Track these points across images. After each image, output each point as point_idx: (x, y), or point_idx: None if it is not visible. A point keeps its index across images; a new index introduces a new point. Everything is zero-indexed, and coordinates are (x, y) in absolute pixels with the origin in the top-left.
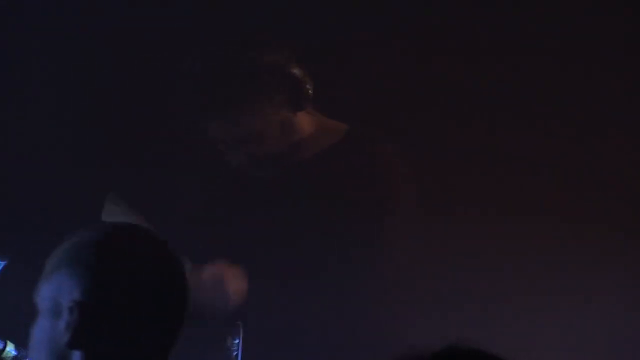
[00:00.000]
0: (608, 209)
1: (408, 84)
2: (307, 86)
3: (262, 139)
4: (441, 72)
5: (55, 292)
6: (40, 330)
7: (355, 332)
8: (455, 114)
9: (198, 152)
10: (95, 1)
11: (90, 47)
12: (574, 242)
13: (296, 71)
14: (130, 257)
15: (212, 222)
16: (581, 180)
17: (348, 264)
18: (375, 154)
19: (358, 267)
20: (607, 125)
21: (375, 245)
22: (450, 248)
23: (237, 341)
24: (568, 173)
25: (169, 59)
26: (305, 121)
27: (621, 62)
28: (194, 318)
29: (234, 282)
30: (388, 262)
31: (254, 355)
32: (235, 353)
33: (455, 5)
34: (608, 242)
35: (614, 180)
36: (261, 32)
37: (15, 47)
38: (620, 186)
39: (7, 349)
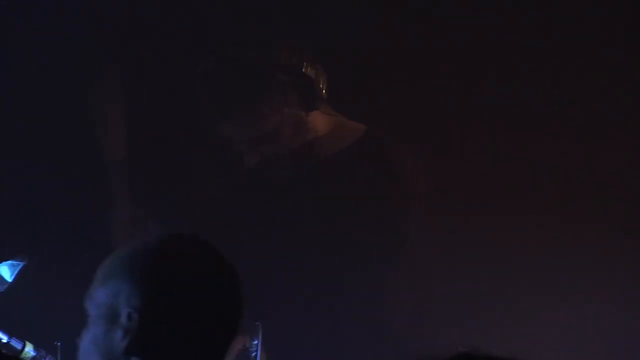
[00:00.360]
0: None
1: (426, 86)
2: (322, 86)
3: (277, 138)
4: (458, 74)
5: (111, 299)
6: (93, 336)
7: (371, 333)
8: (471, 116)
9: (214, 153)
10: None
11: (110, 47)
12: (576, 242)
13: (310, 71)
14: (188, 266)
15: (227, 221)
16: (581, 180)
17: (363, 264)
18: (393, 154)
19: (373, 267)
20: (607, 125)
21: (391, 246)
22: (462, 248)
23: (256, 342)
24: (568, 173)
25: (185, 58)
26: (321, 121)
27: (622, 63)
28: None
29: None
30: (403, 262)
31: (273, 356)
32: (254, 354)
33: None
34: (608, 242)
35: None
36: (276, 32)
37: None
38: (621, 186)
39: (26, 349)
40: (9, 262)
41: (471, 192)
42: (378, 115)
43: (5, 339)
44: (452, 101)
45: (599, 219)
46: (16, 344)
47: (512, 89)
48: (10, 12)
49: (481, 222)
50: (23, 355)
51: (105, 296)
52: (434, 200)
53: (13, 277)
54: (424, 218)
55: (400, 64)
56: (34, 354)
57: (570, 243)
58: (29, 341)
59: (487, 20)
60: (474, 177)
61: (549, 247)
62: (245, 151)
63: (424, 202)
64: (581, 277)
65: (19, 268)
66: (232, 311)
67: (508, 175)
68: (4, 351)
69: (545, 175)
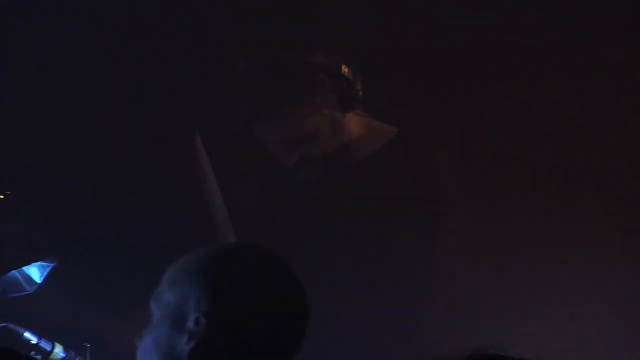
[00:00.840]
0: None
1: (458, 87)
2: (357, 87)
3: (313, 140)
4: (492, 76)
5: (180, 301)
6: (156, 337)
7: (402, 335)
8: (502, 117)
9: (250, 154)
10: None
11: (145, 47)
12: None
13: (346, 72)
14: (258, 275)
15: (261, 222)
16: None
17: (394, 264)
18: (424, 156)
19: (404, 267)
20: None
21: (423, 247)
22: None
23: None
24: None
25: (220, 59)
26: (354, 123)
27: (622, 63)
28: None
29: None
30: (435, 263)
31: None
32: None
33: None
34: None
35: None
36: (313, 33)
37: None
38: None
39: (56, 350)
40: (39, 263)
41: (471, 193)
42: (421, 118)
43: (34, 340)
44: (500, 105)
45: (599, 219)
46: (45, 345)
47: (511, 88)
48: (10, 12)
49: (484, 222)
50: (52, 356)
51: (173, 298)
52: (481, 202)
53: (42, 278)
54: (468, 220)
55: (450, 67)
56: (64, 355)
57: (571, 243)
58: (58, 342)
59: (487, 20)
60: (475, 177)
61: (549, 247)
62: (280, 153)
63: (470, 204)
64: (581, 277)
65: (48, 269)
66: (297, 322)
67: (508, 176)
68: (32, 352)
69: (545, 175)
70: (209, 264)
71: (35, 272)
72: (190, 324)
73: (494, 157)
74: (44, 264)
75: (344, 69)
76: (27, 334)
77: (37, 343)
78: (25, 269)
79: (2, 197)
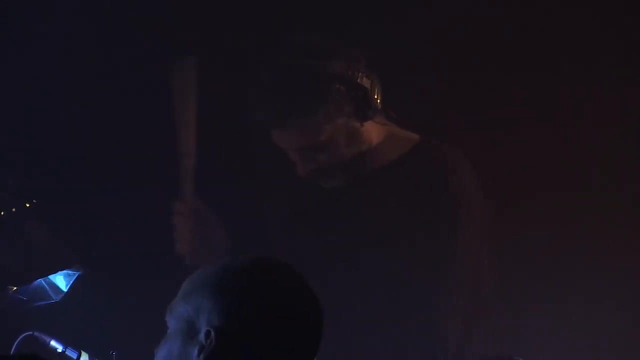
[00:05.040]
0: None
1: (480, 94)
2: (376, 96)
3: (330, 148)
4: (513, 80)
5: (192, 314)
6: (170, 349)
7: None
8: (522, 123)
9: (268, 161)
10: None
11: (163, 50)
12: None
13: (365, 81)
14: (272, 290)
15: (278, 230)
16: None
17: (417, 272)
18: (446, 163)
19: (427, 275)
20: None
21: (445, 255)
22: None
23: None
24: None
25: (238, 67)
26: (374, 131)
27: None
28: None
29: None
30: (458, 271)
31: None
32: None
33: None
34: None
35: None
36: (330, 40)
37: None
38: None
39: (82, 359)
40: (64, 271)
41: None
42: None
43: (60, 349)
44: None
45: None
46: (71, 354)
47: (510, 88)
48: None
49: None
50: None
51: (186, 311)
52: (502, 208)
53: (68, 286)
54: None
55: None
56: None
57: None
58: (84, 351)
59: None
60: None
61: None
62: (298, 160)
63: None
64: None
65: (74, 278)
66: (310, 339)
67: (509, 176)
68: None
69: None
70: (222, 277)
71: (61, 280)
72: (201, 337)
73: (494, 157)
74: (69, 272)
75: (362, 79)
76: (53, 343)
77: (63, 351)
78: (52, 277)
79: (28, 205)
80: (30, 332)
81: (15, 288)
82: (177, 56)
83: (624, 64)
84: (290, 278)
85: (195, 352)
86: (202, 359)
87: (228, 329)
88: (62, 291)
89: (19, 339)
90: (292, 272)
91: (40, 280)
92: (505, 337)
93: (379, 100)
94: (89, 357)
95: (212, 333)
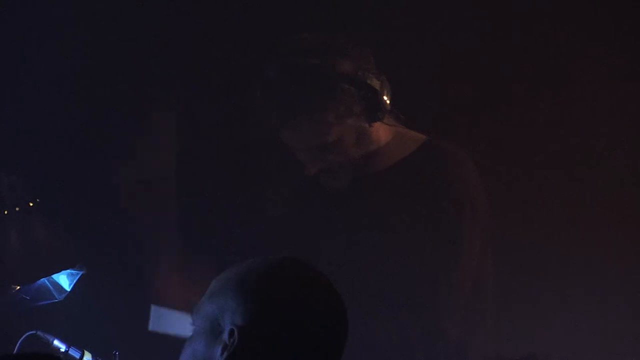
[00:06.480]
0: None
1: (489, 95)
2: (385, 97)
3: (339, 148)
4: (520, 82)
5: (217, 313)
6: (195, 348)
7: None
8: (532, 124)
9: (275, 160)
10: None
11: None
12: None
13: (375, 82)
14: (296, 290)
15: (285, 230)
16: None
17: (422, 272)
18: (452, 164)
19: (431, 275)
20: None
21: (449, 254)
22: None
23: None
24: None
25: (247, 65)
26: (382, 131)
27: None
28: None
29: None
30: (461, 271)
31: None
32: None
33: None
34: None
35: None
36: (340, 40)
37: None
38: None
39: (85, 358)
40: (68, 271)
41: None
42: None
43: (63, 348)
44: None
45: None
46: (74, 353)
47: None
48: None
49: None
50: None
51: (211, 310)
52: (508, 209)
53: (72, 286)
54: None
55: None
56: None
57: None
58: (87, 350)
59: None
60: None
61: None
62: (305, 160)
63: (499, 211)
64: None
65: (77, 277)
66: (334, 340)
67: (514, 177)
68: None
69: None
70: (247, 277)
71: (64, 280)
72: (225, 336)
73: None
74: (73, 271)
75: (372, 79)
76: (56, 342)
77: (66, 351)
78: (55, 276)
79: (31, 204)
80: (34, 332)
81: (18, 287)
82: (177, 56)
83: (626, 63)
84: (316, 280)
85: (219, 351)
86: (225, 358)
87: (251, 329)
88: (66, 290)
89: (22, 338)
90: (318, 274)
91: (44, 280)
92: (507, 338)
93: (388, 101)
94: (92, 357)
95: (236, 332)
